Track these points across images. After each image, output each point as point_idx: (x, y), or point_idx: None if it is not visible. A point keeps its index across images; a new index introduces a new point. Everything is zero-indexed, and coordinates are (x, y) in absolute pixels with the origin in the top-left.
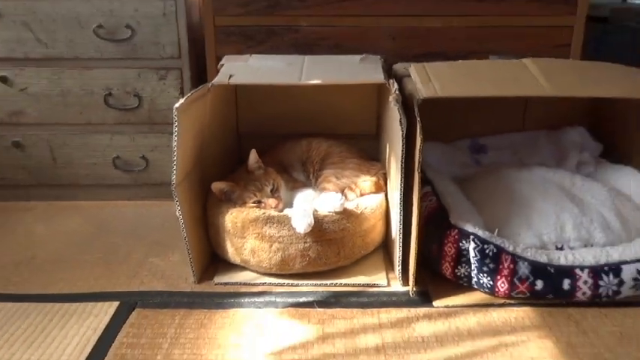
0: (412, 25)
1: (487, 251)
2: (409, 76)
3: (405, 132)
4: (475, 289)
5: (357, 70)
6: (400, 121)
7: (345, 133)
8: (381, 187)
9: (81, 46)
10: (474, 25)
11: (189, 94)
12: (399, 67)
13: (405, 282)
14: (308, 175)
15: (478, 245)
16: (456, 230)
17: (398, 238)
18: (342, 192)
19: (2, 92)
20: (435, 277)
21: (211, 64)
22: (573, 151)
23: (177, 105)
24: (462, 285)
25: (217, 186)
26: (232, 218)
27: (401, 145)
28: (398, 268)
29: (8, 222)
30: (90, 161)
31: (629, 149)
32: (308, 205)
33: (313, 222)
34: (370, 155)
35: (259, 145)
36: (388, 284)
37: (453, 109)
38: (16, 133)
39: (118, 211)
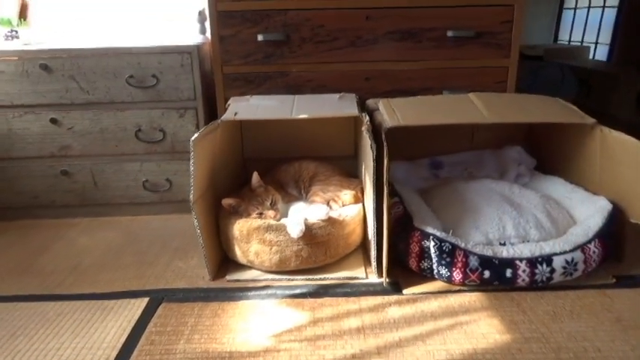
0: (382, 68)
1: (444, 248)
2: (378, 109)
3: (375, 154)
4: (436, 279)
5: (336, 105)
6: (371, 146)
7: (329, 155)
8: (359, 198)
9: (116, 93)
10: (431, 67)
11: (202, 129)
12: (370, 102)
13: (380, 275)
14: (300, 191)
15: (437, 243)
16: (419, 232)
17: (373, 239)
18: (328, 203)
19: (53, 131)
20: (404, 270)
21: (221, 104)
22: (512, 165)
23: (192, 138)
24: (426, 276)
25: (227, 201)
26: (239, 227)
27: (372, 165)
28: (374, 263)
29: (59, 235)
30: (124, 184)
31: (557, 163)
32: (300, 215)
33: (304, 228)
34: (350, 172)
35: (260, 166)
36: (366, 277)
37: (415, 134)
38: (64, 163)
39: (147, 224)
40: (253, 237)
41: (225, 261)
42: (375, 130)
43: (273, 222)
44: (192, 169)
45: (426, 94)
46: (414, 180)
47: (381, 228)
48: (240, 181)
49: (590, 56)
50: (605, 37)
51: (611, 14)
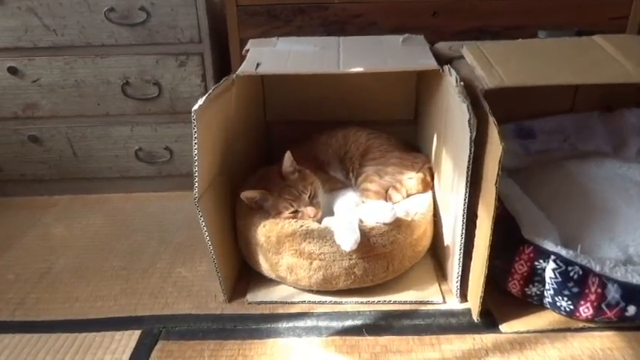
0: None
1: (571, 274)
2: (459, 57)
3: (474, 134)
4: (545, 308)
5: (401, 53)
6: (469, 122)
7: (380, 119)
8: (428, 183)
9: (92, 32)
10: None
11: (210, 91)
12: (441, 46)
13: (463, 298)
14: (347, 173)
15: (560, 267)
16: (532, 247)
17: (457, 251)
18: (386, 192)
19: (13, 84)
20: (496, 292)
21: (234, 48)
22: (632, 135)
23: (195, 107)
24: (531, 303)
25: (247, 195)
26: (266, 232)
27: (468, 149)
28: (456, 283)
29: (30, 221)
30: (111, 154)
31: None
32: (352, 216)
33: (360, 237)
34: (409, 143)
35: (289, 133)
36: (443, 300)
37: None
38: (32, 126)
39: (143, 205)
40: (286, 247)
41: (245, 269)
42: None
43: (313, 225)
44: (195, 152)
45: (514, 34)
46: None
47: (469, 239)
48: (262, 153)
49: None
50: None
51: None
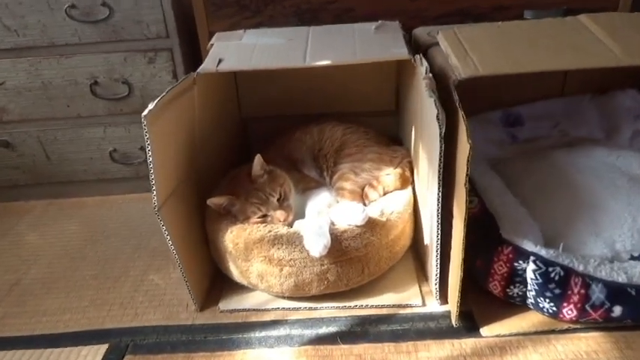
0: None
1: (552, 275)
2: (436, 44)
3: (443, 129)
4: (529, 309)
5: (373, 42)
6: (438, 117)
7: (361, 110)
8: (407, 179)
9: (55, 31)
10: None
11: (163, 94)
12: (420, 32)
13: (444, 300)
14: (321, 172)
15: (540, 268)
16: (510, 247)
17: (434, 251)
18: (362, 190)
19: None
20: (477, 292)
21: (205, 42)
22: (626, 119)
23: (145, 112)
24: (513, 303)
25: (214, 201)
26: (233, 238)
27: (438, 145)
28: (435, 285)
29: (2, 230)
30: (85, 156)
31: None
32: (323, 220)
33: (330, 242)
34: (390, 135)
35: (268, 128)
36: (423, 303)
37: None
38: (2, 131)
39: (120, 208)
40: (255, 253)
41: (218, 275)
42: (436, 79)
43: (282, 230)
44: (149, 160)
45: (498, 15)
46: (483, 145)
47: (445, 234)
48: (239, 149)
49: None
50: None
51: None
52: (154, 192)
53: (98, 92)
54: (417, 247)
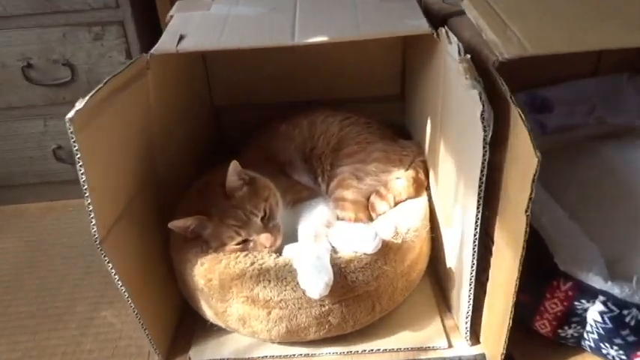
0: None
1: (627, 319)
2: (456, 14)
3: (490, 134)
4: (583, 350)
5: (380, 12)
6: (482, 116)
7: (358, 96)
8: (422, 183)
9: None
10: None
11: (100, 86)
12: None
13: (475, 340)
14: (315, 177)
15: (612, 311)
16: (571, 283)
17: (467, 285)
18: (368, 200)
19: None
20: (516, 329)
21: (165, 12)
22: None
23: (70, 114)
24: (564, 344)
25: (178, 225)
26: (205, 272)
27: (479, 153)
28: (465, 324)
29: None
30: (24, 155)
31: None
32: (321, 248)
33: (332, 277)
34: (395, 125)
35: (245, 119)
36: (449, 345)
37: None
38: None
39: (68, 217)
40: (233, 293)
41: (189, 312)
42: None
43: (270, 261)
44: (82, 177)
45: None
46: None
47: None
48: (211, 146)
49: None
50: None
51: None
52: (93, 221)
53: (33, 77)
54: (434, 269)
